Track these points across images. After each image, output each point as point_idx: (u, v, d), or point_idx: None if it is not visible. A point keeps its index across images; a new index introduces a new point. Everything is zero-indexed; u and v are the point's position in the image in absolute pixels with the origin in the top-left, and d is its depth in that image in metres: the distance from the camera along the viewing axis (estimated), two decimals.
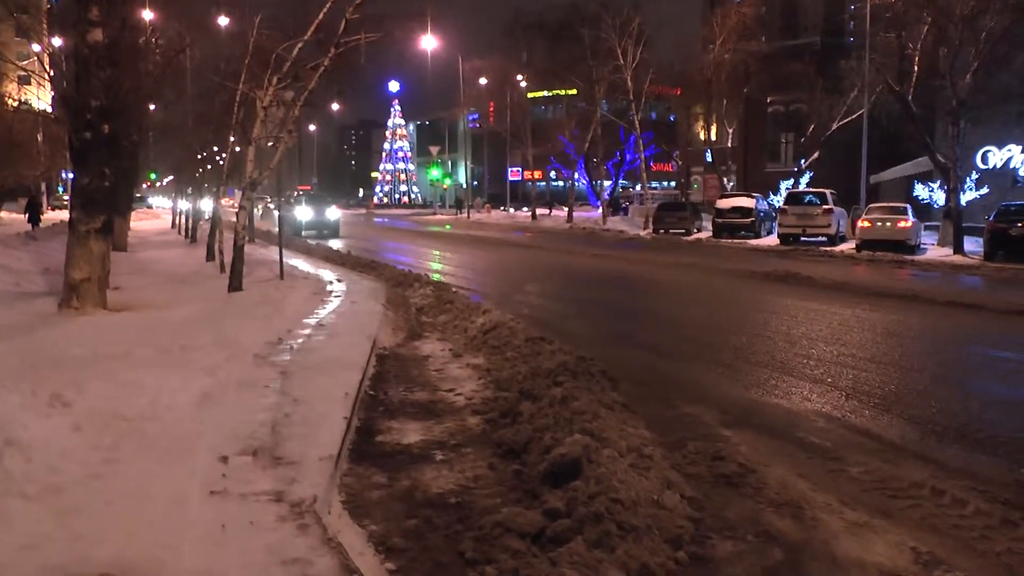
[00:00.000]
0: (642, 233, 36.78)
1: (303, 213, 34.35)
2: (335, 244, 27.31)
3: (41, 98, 26.22)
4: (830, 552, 4.21)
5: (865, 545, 4.27)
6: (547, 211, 56.87)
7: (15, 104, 27.61)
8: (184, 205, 37.73)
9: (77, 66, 10.87)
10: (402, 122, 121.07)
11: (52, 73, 16.37)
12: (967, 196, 28.58)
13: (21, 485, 4.36)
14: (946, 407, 7.14)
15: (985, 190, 30.75)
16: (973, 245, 24.04)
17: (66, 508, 4.15)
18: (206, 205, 34.22)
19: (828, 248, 27.09)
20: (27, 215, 33.11)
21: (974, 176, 30.99)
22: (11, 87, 28.52)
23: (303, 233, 32.48)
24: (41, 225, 31.72)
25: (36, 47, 18.76)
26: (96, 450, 5.01)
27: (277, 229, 32.66)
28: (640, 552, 3.83)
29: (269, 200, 63.59)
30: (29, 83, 25.03)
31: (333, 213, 35.38)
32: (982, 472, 5.43)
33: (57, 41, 19.98)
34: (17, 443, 4.75)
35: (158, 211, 74.21)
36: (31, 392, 5.74)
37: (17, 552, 3.69)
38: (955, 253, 23.64)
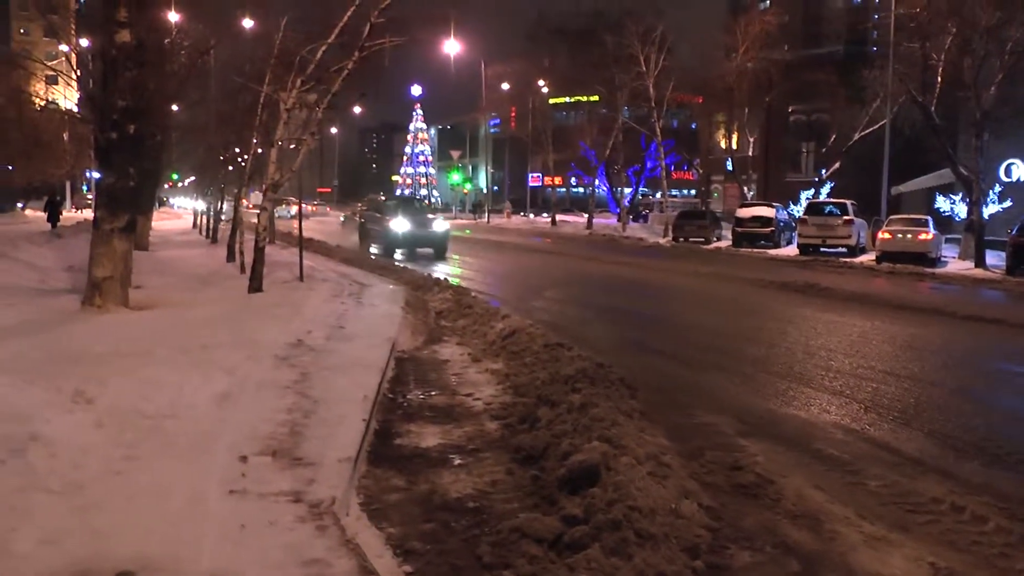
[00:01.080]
0: (661, 241, 36.72)
1: (399, 225, 24.52)
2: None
3: (68, 98, 26.49)
4: (847, 565, 4.19)
5: (883, 559, 4.25)
6: (582, 218, 55.62)
7: (42, 103, 27.92)
8: (202, 206, 37.55)
9: (104, 66, 10.98)
10: (424, 126, 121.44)
11: (79, 73, 16.54)
12: (990, 209, 28.42)
13: (44, 480, 4.40)
14: (966, 422, 7.09)
15: (1008, 203, 30.55)
16: (995, 259, 23.84)
17: (87, 504, 4.19)
18: (225, 206, 33.63)
19: (848, 259, 26.94)
20: (46, 214, 33.26)
21: (997, 189, 30.79)
22: (39, 86, 28.84)
23: (397, 252, 24.66)
24: (60, 224, 31.79)
25: (64, 47, 18.99)
26: (117, 447, 5.05)
27: (359, 243, 28.13)
28: (657, 560, 3.83)
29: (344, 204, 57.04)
30: (56, 83, 25.29)
31: (440, 225, 25.35)
32: (1003, 489, 5.39)
33: (85, 42, 20.23)
34: (41, 438, 4.81)
35: (179, 211, 74.71)
36: (55, 388, 5.80)
37: (39, 546, 3.73)
38: (976, 267, 23.48)
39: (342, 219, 44.56)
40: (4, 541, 3.71)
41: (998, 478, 5.64)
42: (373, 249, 26.45)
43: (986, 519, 4.81)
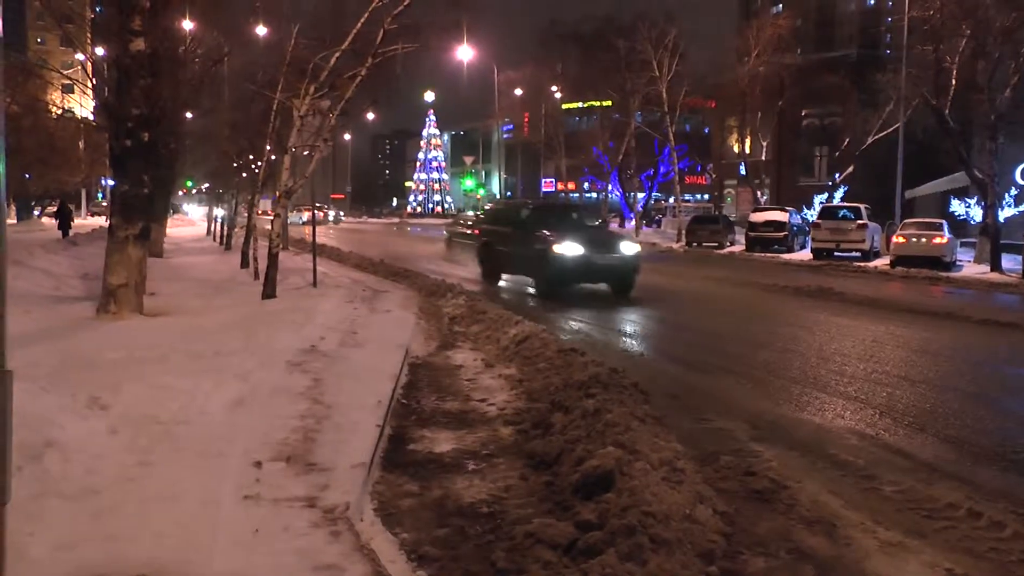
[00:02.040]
0: (675, 246, 36.65)
1: (569, 248, 16.08)
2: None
3: (84, 106, 26.75)
4: (863, 571, 4.16)
5: (899, 565, 4.22)
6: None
7: (59, 112, 28.19)
8: (219, 212, 37.63)
9: (119, 75, 11.05)
10: (436, 132, 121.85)
11: (94, 82, 16.67)
12: (1005, 212, 28.29)
13: (59, 485, 4.43)
14: (982, 427, 7.04)
15: None
16: (1011, 263, 23.66)
17: (102, 509, 4.21)
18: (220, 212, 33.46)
19: (862, 264, 26.83)
20: (57, 222, 33.25)
21: (1012, 192, 30.66)
22: (55, 95, 29.12)
23: (555, 285, 16.46)
24: (74, 232, 31.79)
25: (80, 56, 19.18)
26: (131, 453, 5.07)
27: (483, 273, 19.32)
28: (672, 566, 3.82)
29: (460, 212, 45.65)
30: (72, 91, 25.56)
31: (628, 247, 17.19)
32: (1020, 494, 5.33)
33: (100, 51, 20.40)
34: (56, 444, 4.83)
35: (193, 219, 75.05)
36: (70, 394, 5.84)
37: (54, 551, 3.75)
38: (992, 271, 23.33)
39: (445, 234, 34.42)
40: (20, 546, 3.72)
41: (1015, 484, 5.59)
42: (505, 280, 18.94)
43: (1004, 525, 4.77)
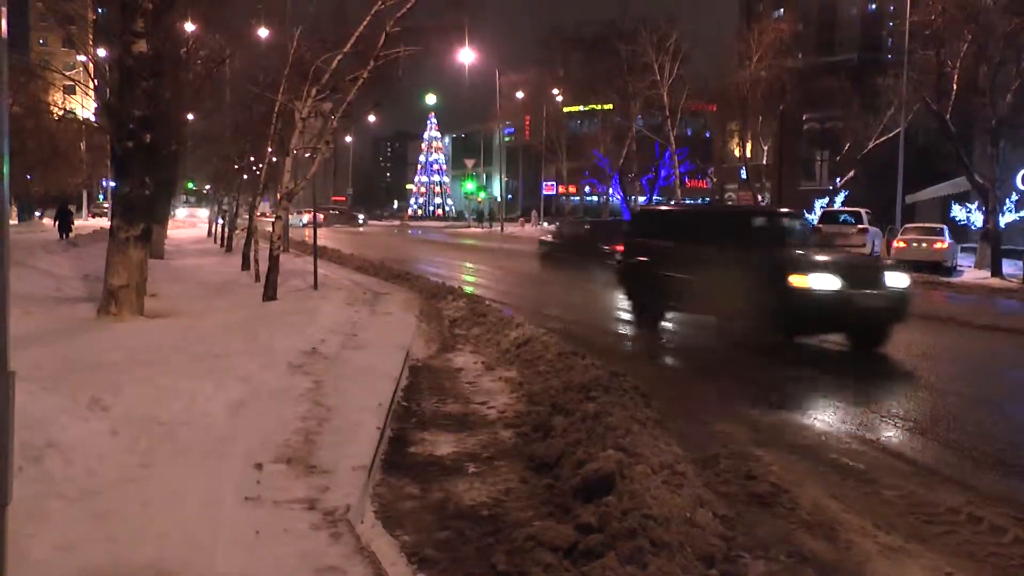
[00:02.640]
0: None
1: (820, 279, 10.17)
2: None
3: (85, 107, 26.79)
4: (864, 575, 4.16)
5: (899, 569, 4.21)
6: None
7: (60, 113, 28.23)
8: (201, 212, 37.64)
9: (121, 76, 11.07)
10: (438, 135, 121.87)
11: (96, 83, 16.69)
12: (1006, 218, 28.21)
13: (60, 486, 4.43)
14: (983, 432, 7.03)
15: None
16: (1012, 268, 23.67)
17: (103, 511, 4.20)
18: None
19: None
20: (56, 223, 33.09)
21: (1014, 197, 30.57)
22: (57, 96, 29.15)
23: (794, 334, 11.13)
24: (75, 233, 31.69)
25: (82, 58, 19.23)
26: (132, 454, 5.07)
27: (635, 306, 13.89)
28: (673, 569, 3.81)
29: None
30: (74, 93, 25.60)
31: (896, 278, 11.25)
32: (1021, 499, 5.33)
33: (102, 52, 20.45)
34: (57, 445, 4.83)
35: (193, 220, 74.84)
36: (71, 395, 5.83)
37: (55, 552, 3.74)
38: (993, 276, 23.32)
39: (540, 248, 27.61)
40: (21, 547, 3.72)
41: (1016, 489, 5.59)
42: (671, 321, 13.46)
43: (1004, 530, 4.76)
